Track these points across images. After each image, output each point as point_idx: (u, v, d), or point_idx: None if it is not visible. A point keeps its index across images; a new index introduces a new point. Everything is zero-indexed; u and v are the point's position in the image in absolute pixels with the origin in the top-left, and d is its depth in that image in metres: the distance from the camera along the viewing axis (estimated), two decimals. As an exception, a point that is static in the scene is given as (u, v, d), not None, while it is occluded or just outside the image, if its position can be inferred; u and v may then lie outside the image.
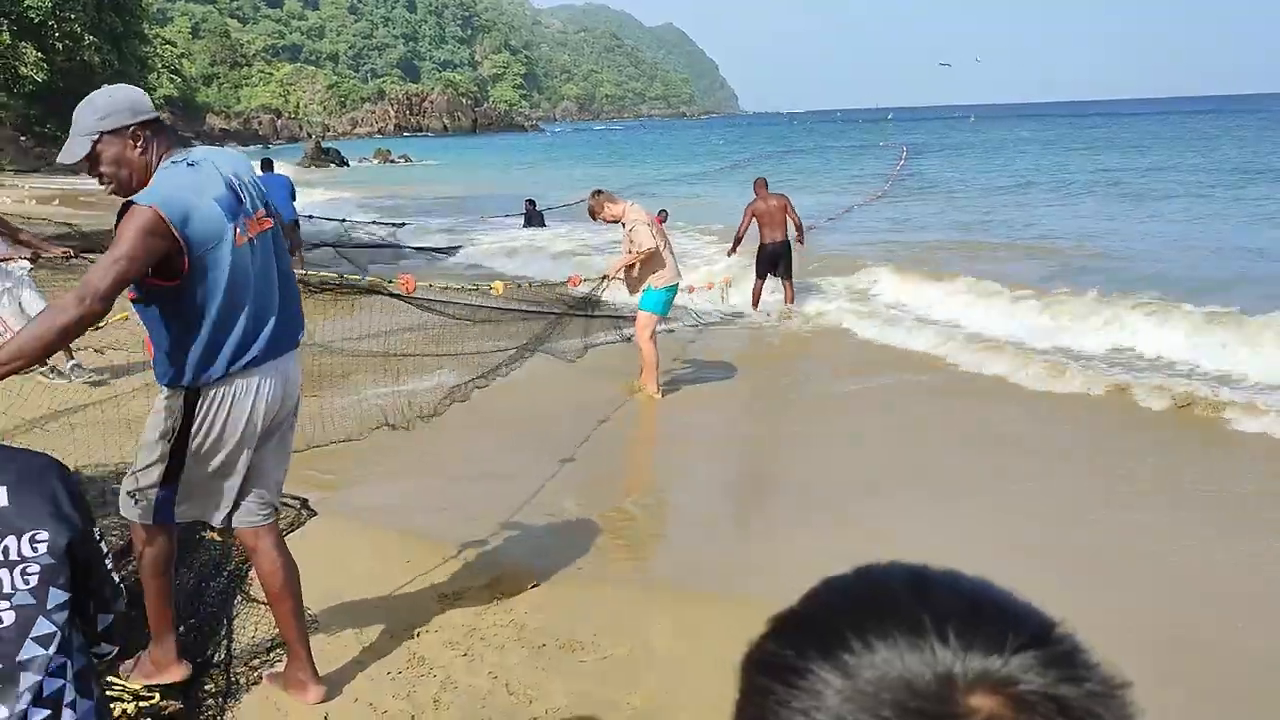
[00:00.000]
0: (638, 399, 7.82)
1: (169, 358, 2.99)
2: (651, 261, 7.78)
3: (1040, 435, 6.86)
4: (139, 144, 2.95)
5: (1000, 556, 4.58)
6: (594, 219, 8.14)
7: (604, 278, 8.26)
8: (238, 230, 2.94)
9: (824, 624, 0.61)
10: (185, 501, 3.17)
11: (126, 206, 2.78)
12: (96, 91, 3.01)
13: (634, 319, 8.07)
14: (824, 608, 0.63)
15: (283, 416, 3.27)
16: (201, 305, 2.90)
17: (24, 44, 45.99)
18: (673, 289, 7.99)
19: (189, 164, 2.96)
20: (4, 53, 45.36)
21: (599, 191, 8.05)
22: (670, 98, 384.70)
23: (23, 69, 45.83)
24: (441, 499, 5.59)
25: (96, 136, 2.92)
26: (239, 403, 3.04)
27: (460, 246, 18.59)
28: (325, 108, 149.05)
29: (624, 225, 7.85)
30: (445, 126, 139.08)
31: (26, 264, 7.08)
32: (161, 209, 2.75)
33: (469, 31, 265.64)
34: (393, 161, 59.69)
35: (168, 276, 2.86)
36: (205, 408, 3.02)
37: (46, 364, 7.07)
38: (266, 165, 14.33)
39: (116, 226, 2.78)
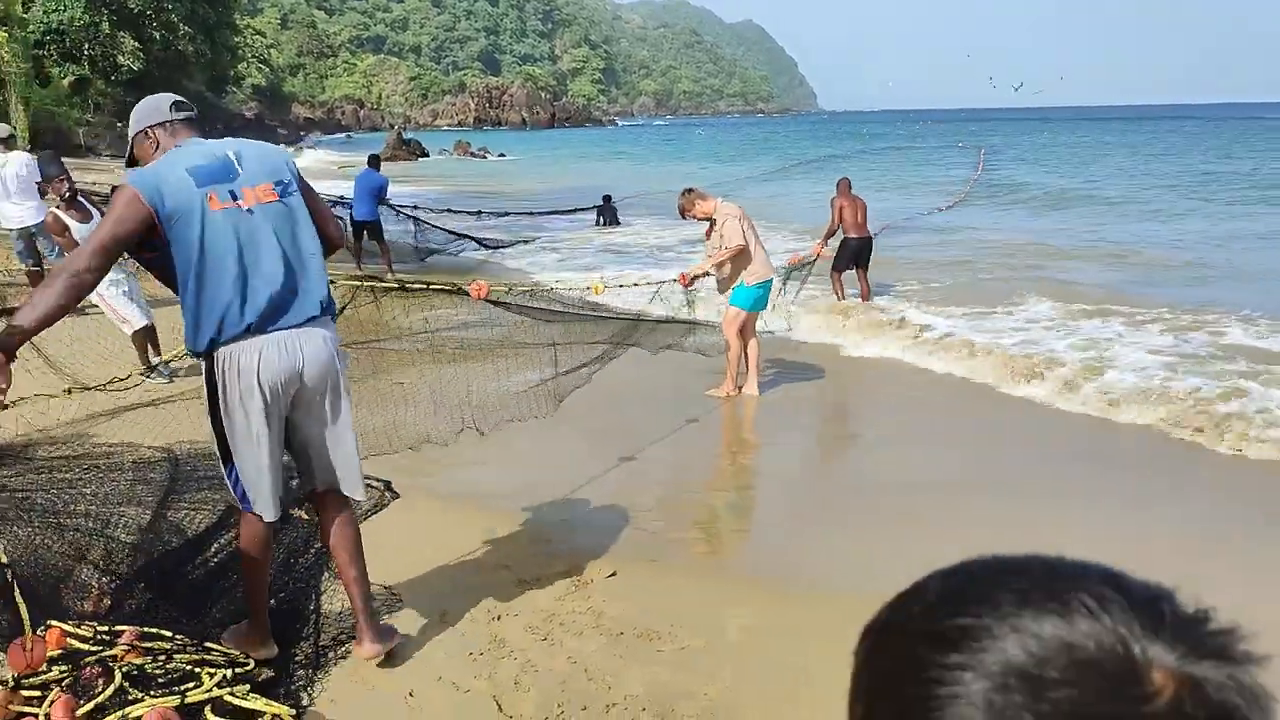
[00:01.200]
0: (726, 395, 7.76)
1: (187, 326, 3.29)
2: (742, 258, 7.62)
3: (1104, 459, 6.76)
4: (150, 140, 3.44)
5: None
6: (683, 217, 8.00)
7: (695, 277, 8.03)
8: (213, 195, 3.18)
9: (987, 595, 0.59)
10: (246, 483, 3.36)
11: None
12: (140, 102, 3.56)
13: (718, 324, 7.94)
14: (976, 580, 0.62)
15: (307, 389, 3.35)
16: (184, 270, 3.19)
17: (122, 34, 47.50)
18: (765, 285, 7.82)
19: (176, 147, 3.35)
20: (104, 42, 46.87)
21: (690, 190, 7.91)
22: (748, 95, 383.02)
23: (121, 58, 47.33)
24: (523, 486, 5.69)
25: (131, 141, 3.50)
26: (244, 368, 3.22)
27: (536, 237, 18.67)
28: (407, 99, 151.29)
29: (714, 221, 7.71)
30: (524, 120, 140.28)
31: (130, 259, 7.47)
32: (133, 185, 3.16)
33: (549, 25, 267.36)
34: (472, 154, 60.28)
35: (152, 248, 3.24)
36: (218, 371, 3.25)
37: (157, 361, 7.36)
38: (372, 162, 14.21)
39: None
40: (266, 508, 3.37)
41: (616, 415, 7.17)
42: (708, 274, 7.96)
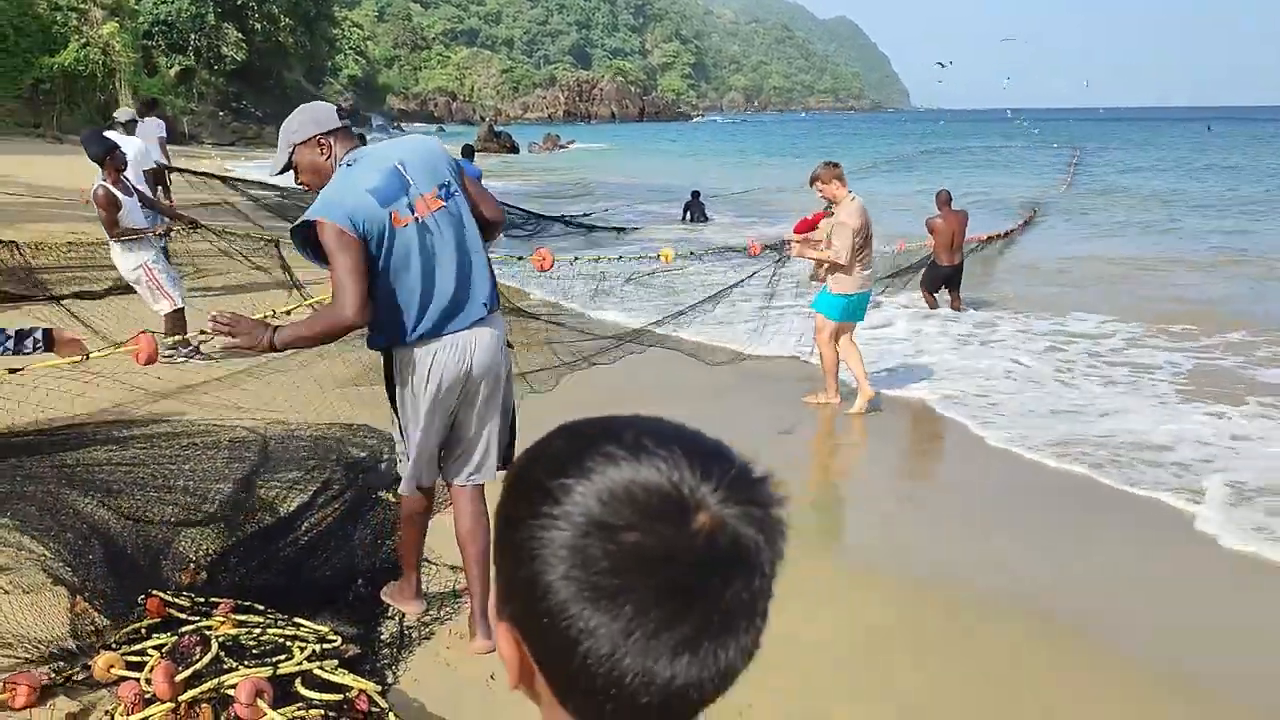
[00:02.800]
0: (822, 403, 7.40)
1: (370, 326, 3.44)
2: (834, 265, 7.08)
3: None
4: (323, 150, 3.46)
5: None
6: (811, 185, 7.22)
7: (785, 242, 7.67)
8: (395, 214, 3.29)
9: (576, 460, 0.72)
10: (413, 464, 3.59)
11: (303, 225, 3.31)
12: (295, 110, 3.56)
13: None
14: (580, 441, 0.74)
15: (472, 385, 3.51)
16: (379, 282, 3.32)
17: (227, 25, 48.92)
18: (852, 299, 7.16)
19: (347, 165, 3.40)
20: (209, 33, 48.33)
21: (835, 164, 7.16)
22: (839, 91, 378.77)
23: (224, 49, 48.76)
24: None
25: (291, 149, 3.47)
26: (418, 367, 3.42)
27: (624, 228, 18.72)
28: (498, 92, 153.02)
29: (833, 212, 7.14)
30: (613, 114, 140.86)
31: (162, 238, 7.69)
32: (330, 219, 3.22)
33: (641, 20, 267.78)
34: (561, 147, 60.76)
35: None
36: (396, 367, 3.50)
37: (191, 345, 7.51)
38: (466, 152, 14.12)
39: (291, 233, 3.44)
40: (422, 481, 3.65)
41: (712, 408, 7.12)
42: (786, 251, 7.59)
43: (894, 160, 36.38)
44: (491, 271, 3.56)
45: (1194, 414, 7.31)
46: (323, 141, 3.45)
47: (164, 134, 13.50)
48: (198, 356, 7.70)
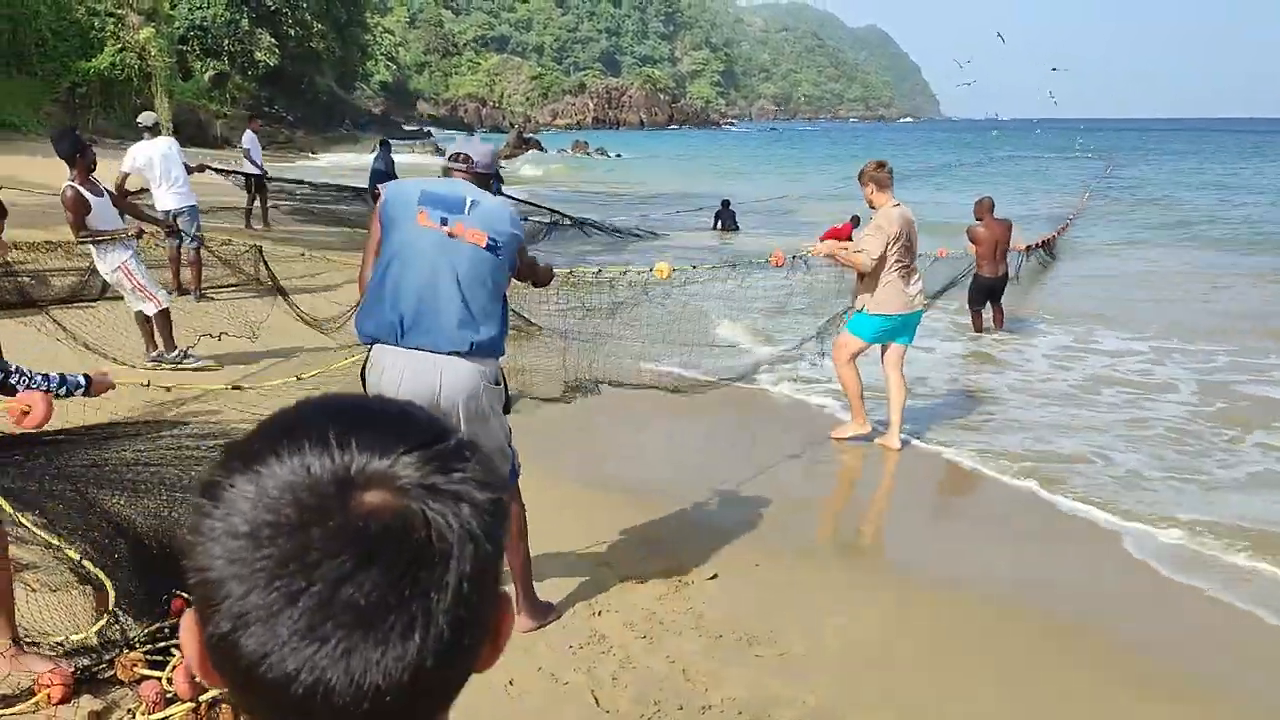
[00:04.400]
0: (850, 436, 6.74)
1: (359, 312, 3.64)
2: (869, 279, 6.43)
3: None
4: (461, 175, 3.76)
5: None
6: (859, 181, 6.57)
7: (797, 258, 6.82)
8: (424, 212, 3.49)
9: (248, 445, 0.68)
10: None
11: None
12: (486, 141, 3.96)
13: None
14: (254, 433, 0.69)
15: (443, 411, 3.50)
16: (380, 264, 3.53)
17: (260, 30, 49.40)
18: (892, 320, 6.47)
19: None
20: (243, 38, 48.82)
21: (885, 165, 6.51)
22: (869, 100, 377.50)
23: (258, 54, 49.22)
24: (630, 486, 5.73)
25: (493, 169, 3.82)
26: (386, 370, 3.51)
27: (652, 234, 18.67)
28: (528, 99, 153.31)
29: (872, 216, 6.53)
30: (642, 121, 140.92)
31: (134, 239, 7.50)
32: (383, 191, 3.65)
33: (671, 28, 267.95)
34: (588, 154, 60.85)
35: None
36: (368, 364, 3.61)
37: (176, 350, 7.53)
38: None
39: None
40: None
41: (733, 439, 7.11)
42: (809, 251, 6.76)
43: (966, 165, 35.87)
44: (493, 325, 3.57)
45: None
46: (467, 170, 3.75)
47: (257, 145, 15.60)
48: (188, 360, 7.57)
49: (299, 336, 8.29)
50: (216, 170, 14.90)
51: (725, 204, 21.10)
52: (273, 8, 49.62)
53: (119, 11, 36.97)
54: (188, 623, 0.69)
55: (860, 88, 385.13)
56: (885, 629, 4.18)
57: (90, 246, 7.37)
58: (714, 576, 4.47)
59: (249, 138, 16.13)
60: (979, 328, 10.85)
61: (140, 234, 7.60)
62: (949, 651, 4.03)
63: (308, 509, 0.63)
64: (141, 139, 10.10)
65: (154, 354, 7.55)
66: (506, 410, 3.74)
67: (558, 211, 18.06)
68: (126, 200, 8.51)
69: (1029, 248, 13.53)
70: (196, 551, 0.65)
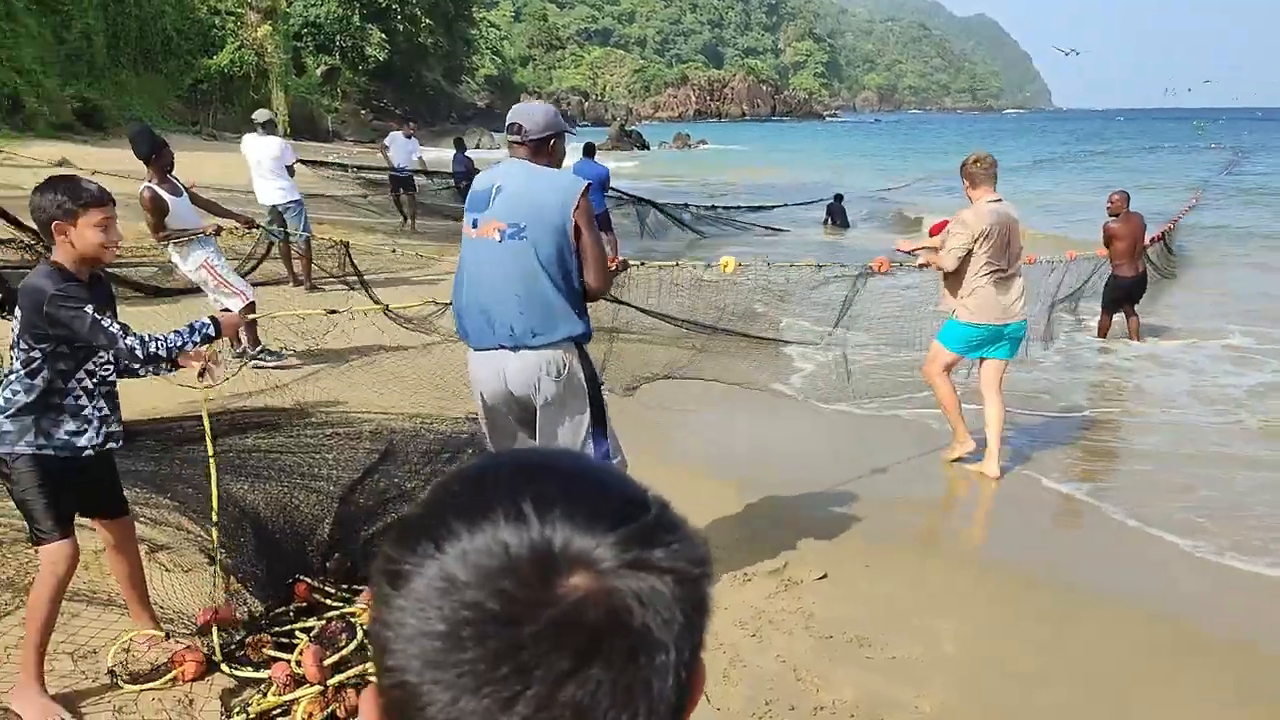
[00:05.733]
0: (957, 458, 6.16)
1: None
2: (953, 281, 5.88)
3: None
4: (559, 145, 3.64)
5: None
6: (960, 174, 5.98)
7: (908, 252, 6.49)
8: (474, 222, 3.53)
9: (430, 518, 0.62)
10: None
11: None
12: (545, 103, 3.78)
13: None
14: (433, 501, 0.64)
15: (520, 403, 3.58)
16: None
17: (371, 26, 50.62)
18: (985, 330, 5.82)
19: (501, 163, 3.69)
20: (354, 34, 50.11)
21: (983, 159, 5.88)
22: (977, 90, 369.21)
23: (368, 49, 50.47)
24: (748, 484, 5.66)
25: (552, 137, 3.57)
26: (471, 373, 3.66)
27: (764, 229, 18.46)
28: (630, 91, 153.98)
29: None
30: (744, 113, 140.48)
31: (213, 236, 7.39)
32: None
33: (774, 19, 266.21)
34: (689, 146, 60.83)
35: None
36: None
37: (258, 348, 7.56)
38: (588, 151, 13.65)
39: None
40: None
41: (848, 441, 7.00)
42: (899, 260, 6.38)
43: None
44: (558, 311, 3.47)
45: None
46: (559, 139, 3.63)
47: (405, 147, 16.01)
48: (271, 360, 7.55)
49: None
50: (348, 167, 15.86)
51: (838, 198, 20.09)
52: (383, 4, 50.82)
53: (239, 10, 38.28)
54: (367, 708, 0.64)
55: (967, 78, 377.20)
56: (1000, 638, 4.08)
57: (170, 248, 7.34)
58: (823, 576, 4.42)
59: (411, 142, 16.24)
60: (1105, 333, 10.11)
61: (219, 231, 7.55)
62: (1070, 664, 3.93)
63: (511, 600, 0.57)
64: (254, 133, 10.44)
65: (238, 350, 7.46)
66: (596, 394, 3.64)
67: (675, 206, 18.06)
68: (203, 199, 8.44)
69: (1151, 240, 12.86)
70: (389, 651, 0.59)
